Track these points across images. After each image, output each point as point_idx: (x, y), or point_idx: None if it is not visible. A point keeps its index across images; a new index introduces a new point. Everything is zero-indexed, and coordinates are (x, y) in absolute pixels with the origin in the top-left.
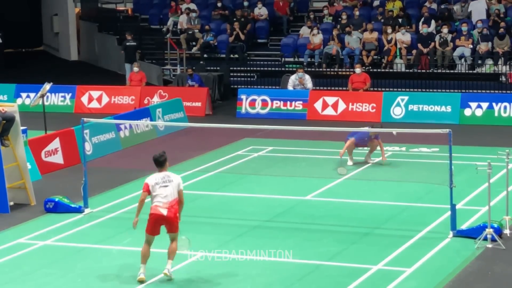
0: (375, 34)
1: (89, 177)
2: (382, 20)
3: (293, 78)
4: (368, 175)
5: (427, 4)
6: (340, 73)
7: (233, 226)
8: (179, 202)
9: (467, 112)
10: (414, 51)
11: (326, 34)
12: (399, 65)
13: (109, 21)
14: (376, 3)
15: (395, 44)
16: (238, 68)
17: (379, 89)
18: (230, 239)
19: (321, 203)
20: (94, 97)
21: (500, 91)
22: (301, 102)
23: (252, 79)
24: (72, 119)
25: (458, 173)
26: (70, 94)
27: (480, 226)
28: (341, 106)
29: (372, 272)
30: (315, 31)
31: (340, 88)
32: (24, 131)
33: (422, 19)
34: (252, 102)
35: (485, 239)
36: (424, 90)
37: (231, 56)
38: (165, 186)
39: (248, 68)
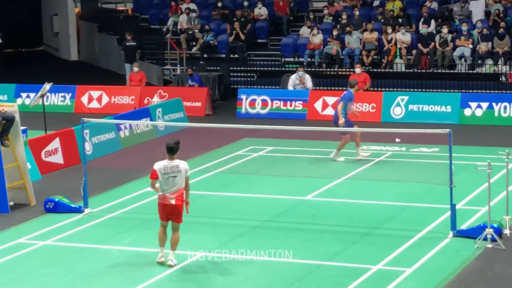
0: (375, 34)
1: (89, 177)
2: (382, 20)
3: (293, 78)
4: (368, 175)
5: (427, 4)
6: (340, 73)
7: (233, 226)
8: (185, 187)
9: (467, 112)
10: (414, 51)
11: (326, 34)
12: (399, 65)
13: (109, 21)
14: (376, 3)
15: (395, 44)
16: (238, 68)
17: (379, 89)
18: (230, 239)
19: (321, 203)
20: (94, 97)
21: (500, 91)
22: (301, 102)
23: (252, 79)
24: (72, 119)
25: (458, 173)
26: (70, 94)
27: (480, 226)
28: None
29: (372, 272)
30: (315, 31)
31: (340, 88)
32: (24, 131)
33: (422, 19)
34: (252, 102)
35: (485, 239)
36: (424, 90)
37: (231, 56)
38: (174, 176)
39: (248, 68)
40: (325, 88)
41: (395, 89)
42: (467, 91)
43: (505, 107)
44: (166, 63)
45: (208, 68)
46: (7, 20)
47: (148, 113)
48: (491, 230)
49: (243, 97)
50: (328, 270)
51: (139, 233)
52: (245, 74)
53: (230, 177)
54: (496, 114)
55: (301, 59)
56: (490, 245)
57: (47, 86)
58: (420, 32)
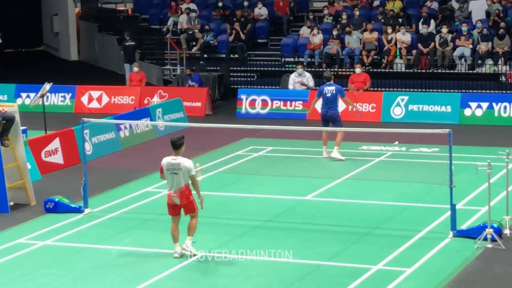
0: (375, 34)
1: (89, 177)
2: (382, 20)
3: (293, 76)
4: (368, 175)
5: (427, 4)
6: (340, 73)
7: (233, 226)
8: (193, 186)
9: (467, 112)
10: (414, 51)
11: (326, 34)
12: (399, 65)
13: (109, 21)
14: (376, 3)
15: (395, 44)
16: (238, 68)
17: (379, 89)
18: (230, 239)
19: (321, 203)
20: (94, 97)
21: (500, 91)
22: (301, 102)
23: (252, 79)
24: (72, 119)
25: (458, 173)
26: (70, 94)
27: (480, 226)
28: (341, 106)
29: (372, 272)
30: (315, 31)
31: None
32: (24, 131)
33: (422, 19)
34: (252, 102)
35: (485, 239)
36: (424, 90)
37: (231, 56)
38: (175, 173)
39: (248, 68)
40: None
41: (395, 89)
42: (467, 91)
43: (505, 107)
44: (166, 63)
45: (208, 68)
46: (7, 20)
47: (148, 113)
48: (491, 230)
49: (243, 97)
50: (328, 270)
51: (139, 233)
52: (245, 74)
53: (230, 177)
54: (496, 114)
55: (301, 59)
56: (490, 245)
57: (47, 86)
58: (420, 32)
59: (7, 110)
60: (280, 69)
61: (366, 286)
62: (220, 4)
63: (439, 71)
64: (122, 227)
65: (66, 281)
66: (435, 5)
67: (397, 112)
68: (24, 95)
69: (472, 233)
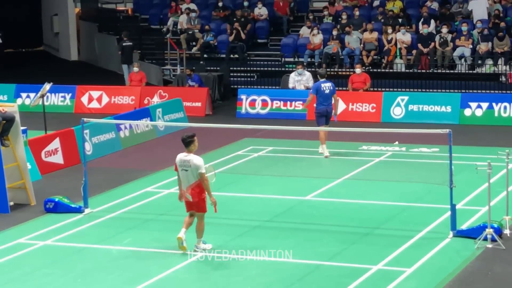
0: (375, 34)
1: (89, 177)
2: (382, 20)
3: (293, 76)
4: (368, 175)
5: (427, 4)
6: (340, 73)
7: (233, 226)
8: (203, 185)
9: (467, 112)
10: (414, 51)
11: (326, 34)
12: (399, 65)
13: (109, 21)
14: (376, 3)
15: (395, 44)
16: (238, 68)
17: (379, 89)
18: (230, 239)
19: (321, 203)
20: (94, 97)
21: (500, 91)
22: (301, 102)
23: (252, 79)
24: (72, 119)
25: (458, 173)
26: (70, 94)
27: (480, 226)
28: (341, 106)
29: (372, 272)
30: (315, 31)
31: (340, 88)
32: (24, 131)
33: (422, 19)
34: (252, 102)
35: (485, 239)
36: (424, 90)
37: (231, 56)
38: (185, 170)
39: (248, 68)
40: None
41: (395, 89)
42: (467, 91)
43: (505, 107)
44: (166, 63)
45: (208, 68)
46: (7, 20)
47: (148, 113)
48: (491, 230)
49: (243, 97)
50: (328, 270)
51: (139, 233)
52: (245, 74)
53: (230, 177)
54: (496, 114)
55: (301, 59)
56: (490, 245)
57: (47, 86)
58: (420, 32)
59: (7, 110)
60: (280, 69)
61: (366, 286)
62: (220, 4)
63: (439, 71)
64: (122, 227)
65: (66, 281)
66: (435, 5)
67: (397, 112)
68: (24, 95)
69: (472, 233)
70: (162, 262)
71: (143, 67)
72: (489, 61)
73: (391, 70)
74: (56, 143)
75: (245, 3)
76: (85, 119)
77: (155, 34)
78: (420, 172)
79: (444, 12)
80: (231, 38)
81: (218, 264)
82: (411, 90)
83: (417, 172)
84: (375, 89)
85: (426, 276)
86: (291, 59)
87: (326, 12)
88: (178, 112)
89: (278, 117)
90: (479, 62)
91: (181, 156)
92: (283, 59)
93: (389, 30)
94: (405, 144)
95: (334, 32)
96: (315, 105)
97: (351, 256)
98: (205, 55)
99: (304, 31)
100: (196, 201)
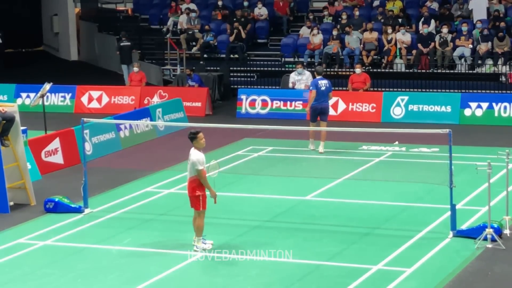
0: (375, 34)
1: (89, 177)
2: (382, 20)
3: (293, 75)
4: (368, 175)
5: (427, 4)
6: (340, 73)
7: (233, 226)
8: (200, 179)
9: (467, 112)
10: (414, 51)
11: (326, 34)
12: (399, 65)
13: (109, 21)
14: (376, 3)
15: (395, 44)
16: (238, 68)
17: (379, 89)
18: (230, 239)
19: (321, 203)
20: (94, 97)
21: (500, 91)
22: (301, 102)
23: (252, 79)
24: (72, 119)
25: (458, 173)
26: (70, 94)
27: (480, 226)
28: (341, 106)
29: (372, 272)
30: (315, 31)
31: (340, 88)
32: (24, 131)
33: (422, 19)
34: (252, 102)
35: (485, 239)
36: (424, 90)
37: (231, 56)
38: (188, 163)
39: (248, 68)
40: None
41: (395, 89)
42: (467, 91)
43: (505, 107)
44: (166, 63)
45: (208, 68)
46: (7, 20)
47: (148, 113)
48: (491, 230)
49: (243, 97)
50: (328, 270)
51: (139, 233)
52: (245, 74)
53: (230, 177)
54: (496, 114)
55: (301, 59)
56: (490, 245)
57: (47, 86)
58: (420, 32)
59: (7, 110)
60: (280, 69)
61: (366, 286)
62: (220, 3)
63: (439, 71)
64: (122, 227)
65: (66, 281)
66: (435, 5)
67: (397, 112)
68: (24, 95)
69: (472, 233)
70: (162, 262)
71: (143, 67)
72: (489, 61)
73: (391, 70)
74: (56, 143)
75: (245, 3)
76: (85, 119)
77: (155, 34)
78: (420, 172)
79: (444, 12)
80: (231, 38)
81: (218, 264)
82: (411, 90)
83: (417, 172)
84: (375, 89)
85: (426, 276)
86: (291, 59)
87: (326, 12)
88: (178, 112)
89: (278, 117)
90: (479, 62)
91: (190, 150)
92: (283, 59)
93: (389, 30)
94: (405, 144)
95: (334, 32)
96: None
97: (351, 256)
98: (205, 55)
99: (304, 31)
100: (190, 197)
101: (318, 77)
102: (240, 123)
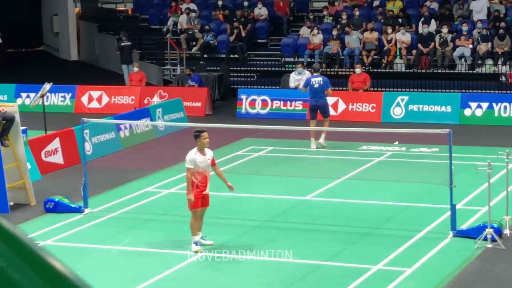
0: (375, 34)
1: (89, 177)
2: (382, 20)
3: (293, 75)
4: (368, 175)
5: (427, 4)
6: (340, 73)
7: (233, 226)
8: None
9: (467, 112)
10: (414, 51)
11: (326, 34)
12: (399, 65)
13: (109, 21)
14: (376, 3)
15: (395, 44)
16: (238, 68)
17: (379, 89)
18: (230, 239)
19: (321, 203)
20: (94, 97)
21: (500, 91)
22: (301, 102)
23: (252, 79)
24: (72, 119)
25: (458, 173)
26: (70, 94)
27: (480, 226)
28: (341, 106)
29: (372, 272)
30: (315, 31)
31: (340, 88)
32: (24, 131)
33: (422, 19)
34: (252, 102)
35: (485, 239)
36: (424, 90)
37: (231, 56)
38: None
39: (248, 68)
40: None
41: (395, 89)
42: (467, 91)
43: (505, 107)
44: (166, 63)
45: (208, 68)
46: (7, 20)
47: (148, 113)
48: (491, 230)
49: (243, 97)
50: (328, 270)
51: (139, 233)
52: (245, 74)
53: (230, 177)
54: (496, 114)
55: (301, 59)
56: (490, 245)
57: (47, 86)
58: (420, 32)
59: (7, 110)
60: (280, 69)
61: (366, 286)
62: (220, 3)
63: (439, 71)
64: (122, 227)
65: None
66: (435, 5)
67: (397, 112)
68: (24, 95)
69: (472, 233)
70: (162, 262)
71: (143, 67)
72: (489, 61)
73: (391, 70)
74: (56, 143)
75: (245, 3)
76: (85, 119)
77: (155, 34)
78: (420, 172)
79: (444, 12)
80: (232, 37)
81: (218, 264)
82: (411, 90)
83: (417, 172)
84: (375, 89)
85: (426, 276)
86: (291, 59)
87: (326, 12)
88: (178, 112)
89: (278, 117)
90: (479, 62)
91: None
92: (283, 59)
93: (389, 30)
94: (405, 144)
95: (334, 32)
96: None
97: (351, 256)
98: (205, 55)
99: (304, 31)
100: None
101: (314, 74)
102: (240, 123)
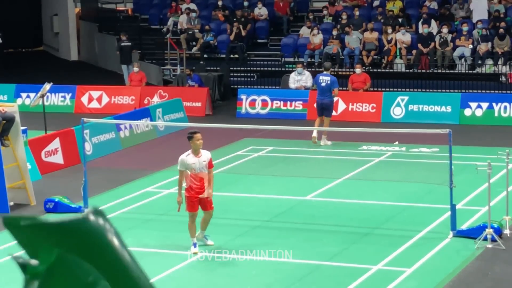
0: (375, 34)
1: (89, 177)
2: (382, 20)
3: (293, 75)
4: (368, 175)
5: (427, 4)
6: (340, 73)
7: (233, 226)
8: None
9: (467, 112)
10: (414, 51)
11: (326, 34)
12: (399, 65)
13: (109, 21)
14: (376, 3)
15: (395, 44)
16: (238, 68)
17: (379, 89)
18: (230, 239)
19: (321, 203)
20: (94, 97)
21: (500, 91)
22: (301, 102)
23: (252, 79)
24: (72, 119)
25: (458, 173)
26: (70, 94)
27: (480, 226)
28: (341, 106)
29: (372, 272)
30: (315, 31)
31: (340, 88)
32: (24, 131)
33: (422, 19)
34: (252, 102)
35: (485, 239)
36: (424, 90)
37: (231, 56)
38: None
39: (248, 68)
40: None
41: (395, 89)
42: (467, 91)
43: (505, 107)
44: (166, 63)
45: (208, 68)
46: (7, 20)
47: (148, 113)
48: (491, 230)
49: (243, 97)
50: (328, 270)
51: (139, 233)
52: (245, 74)
53: (230, 177)
54: (496, 114)
55: (301, 59)
56: (490, 245)
57: (47, 86)
58: (420, 32)
59: (7, 110)
60: (280, 69)
61: (366, 286)
62: (220, 3)
63: (439, 71)
64: (122, 227)
65: None
66: (435, 5)
67: (397, 112)
68: (24, 95)
69: (472, 233)
70: (162, 262)
71: (143, 67)
72: (489, 61)
73: (391, 70)
74: (56, 143)
75: (245, 3)
76: (85, 119)
77: (155, 34)
78: (420, 172)
79: (444, 12)
80: (232, 37)
81: (218, 264)
82: (411, 90)
83: (417, 172)
84: (375, 89)
85: (426, 276)
86: (291, 59)
87: (326, 12)
88: (178, 112)
89: (278, 117)
90: (479, 62)
91: None
92: (283, 59)
93: (389, 30)
94: (405, 144)
95: (334, 32)
96: None
97: (351, 256)
98: (205, 55)
99: (304, 31)
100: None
101: (323, 72)
102: (240, 123)
